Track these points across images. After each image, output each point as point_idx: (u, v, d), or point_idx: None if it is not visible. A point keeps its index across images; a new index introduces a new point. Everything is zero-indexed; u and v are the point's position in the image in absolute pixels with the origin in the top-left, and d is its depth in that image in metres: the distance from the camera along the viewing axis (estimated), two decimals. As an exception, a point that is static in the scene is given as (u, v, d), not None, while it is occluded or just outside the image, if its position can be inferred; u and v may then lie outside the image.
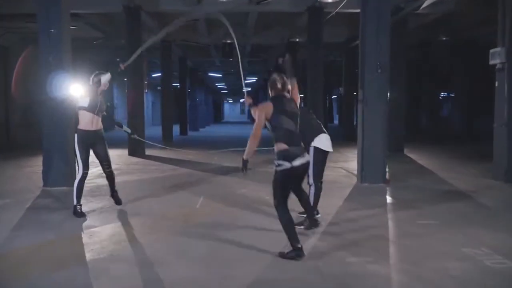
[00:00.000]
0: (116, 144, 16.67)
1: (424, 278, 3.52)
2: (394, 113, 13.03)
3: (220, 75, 31.21)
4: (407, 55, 15.23)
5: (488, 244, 4.31)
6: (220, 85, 41.11)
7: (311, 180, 4.99)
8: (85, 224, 5.17)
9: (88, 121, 5.42)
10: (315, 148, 4.99)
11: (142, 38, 12.95)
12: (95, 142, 5.56)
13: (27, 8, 12.44)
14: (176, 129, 21.55)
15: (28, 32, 16.14)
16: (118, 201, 5.95)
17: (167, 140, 18.47)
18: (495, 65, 8.04)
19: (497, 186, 7.60)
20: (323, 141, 5.04)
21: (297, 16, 14.91)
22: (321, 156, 5.04)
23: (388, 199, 6.63)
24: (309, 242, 4.42)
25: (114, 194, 5.95)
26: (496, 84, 8.10)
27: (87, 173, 5.57)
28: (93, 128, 5.47)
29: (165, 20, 15.54)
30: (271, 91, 4.25)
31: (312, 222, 4.81)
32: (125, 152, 12.94)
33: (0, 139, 16.14)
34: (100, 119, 5.55)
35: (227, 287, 3.44)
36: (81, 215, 5.43)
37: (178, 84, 24.45)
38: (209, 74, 30.50)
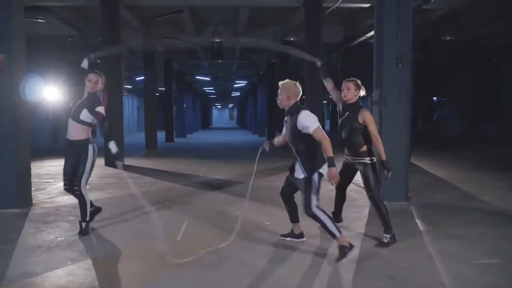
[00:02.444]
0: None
1: None
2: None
3: (209, 79, 29.82)
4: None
5: None
6: (208, 89, 39.69)
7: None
8: (20, 270, 3.72)
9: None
10: None
11: (120, 35, 11.57)
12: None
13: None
14: (161, 135, 20.11)
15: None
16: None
17: (150, 148, 17.03)
18: (498, 65, 6.81)
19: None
20: None
21: (291, 13, 13.72)
22: None
23: (419, 224, 5.31)
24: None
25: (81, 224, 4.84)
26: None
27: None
28: None
29: (145, 15, 14.19)
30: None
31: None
32: (101, 161, 11.46)
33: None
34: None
35: None
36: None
37: (163, 88, 23.04)
38: (197, 77, 29.09)
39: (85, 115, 4.57)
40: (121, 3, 11.52)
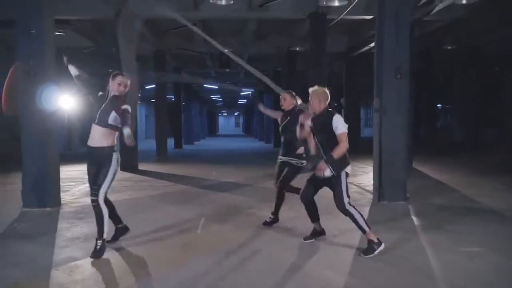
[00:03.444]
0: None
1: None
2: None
3: (216, 87, 30.46)
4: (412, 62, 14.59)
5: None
6: (215, 97, 40.35)
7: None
8: (64, 256, 4.30)
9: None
10: None
11: (135, 46, 12.21)
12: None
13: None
14: (170, 142, 20.70)
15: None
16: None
17: (161, 154, 17.61)
18: (498, 73, 7.33)
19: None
20: None
21: (297, 24, 14.31)
22: None
23: (415, 220, 5.82)
24: (340, 281, 3.61)
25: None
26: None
27: None
28: None
29: (157, 27, 14.86)
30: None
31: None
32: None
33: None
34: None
35: None
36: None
37: (172, 96, 23.68)
38: (205, 86, 29.75)
39: (113, 118, 4.27)
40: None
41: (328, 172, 4.23)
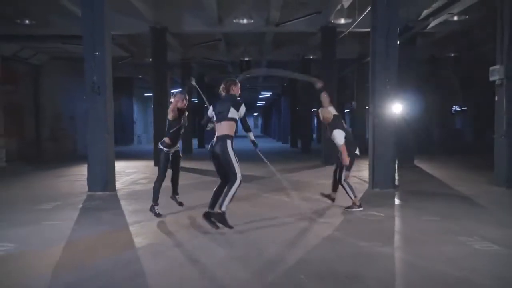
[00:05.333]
0: (142, 156, 17.66)
1: (424, 257, 4.26)
2: (404, 126, 13.83)
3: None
4: (418, 69, 15.93)
5: (480, 234, 5.05)
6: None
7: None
8: (132, 220, 6.01)
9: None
10: None
11: (166, 56, 14.01)
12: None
13: (57, 30, 13.64)
14: (193, 142, 22.49)
15: (58, 52, 17.37)
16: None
17: (187, 153, 19.38)
18: (495, 81, 8.78)
19: (497, 191, 8.29)
20: None
21: (311, 35, 15.83)
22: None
23: (397, 201, 7.36)
24: (327, 232, 5.21)
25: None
26: (496, 98, 8.83)
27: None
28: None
29: (186, 40, 16.64)
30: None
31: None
32: (151, 163, 13.81)
33: (32, 152, 17.23)
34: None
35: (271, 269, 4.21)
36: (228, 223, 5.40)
37: (196, 99, 25.48)
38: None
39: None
40: (168, 31, 13.92)
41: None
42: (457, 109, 29.59)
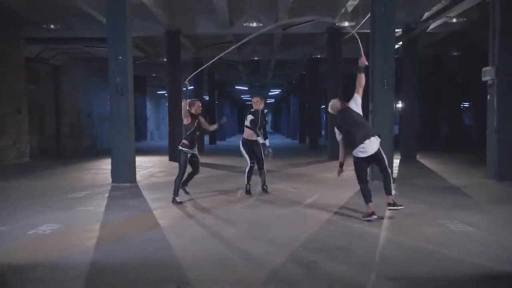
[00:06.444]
0: (156, 152, 18.54)
1: (405, 235, 5.01)
2: (407, 122, 14.52)
3: (246, 88, 33.00)
4: (424, 68, 16.43)
5: (459, 218, 5.79)
6: (245, 97, 42.92)
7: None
8: (155, 205, 6.84)
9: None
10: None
11: (180, 57, 14.83)
12: None
13: (77, 33, 14.53)
14: (205, 138, 23.32)
15: (77, 52, 18.31)
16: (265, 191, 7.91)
17: (199, 149, 20.18)
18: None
19: (488, 184, 8.97)
20: None
21: (318, 35, 16.52)
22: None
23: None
24: (324, 215, 5.98)
25: (264, 187, 7.95)
26: (488, 97, 9.48)
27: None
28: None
29: (199, 41, 17.44)
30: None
31: None
32: (165, 158, 14.66)
33: (53, 148, 18.22)
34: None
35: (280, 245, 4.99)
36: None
37: (207, 97, 26.31)
38: (236, 87, 32.33)
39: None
40: (182, 34, 14.72)
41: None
42: (466, 105, 30.07)
